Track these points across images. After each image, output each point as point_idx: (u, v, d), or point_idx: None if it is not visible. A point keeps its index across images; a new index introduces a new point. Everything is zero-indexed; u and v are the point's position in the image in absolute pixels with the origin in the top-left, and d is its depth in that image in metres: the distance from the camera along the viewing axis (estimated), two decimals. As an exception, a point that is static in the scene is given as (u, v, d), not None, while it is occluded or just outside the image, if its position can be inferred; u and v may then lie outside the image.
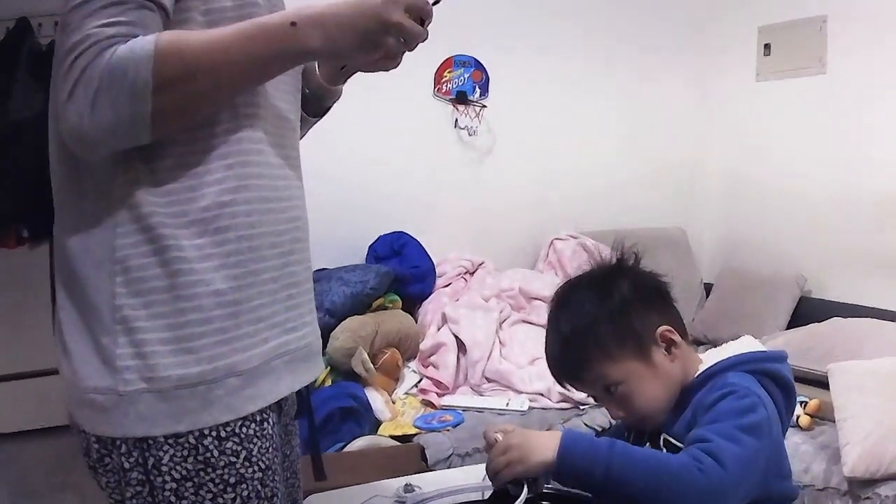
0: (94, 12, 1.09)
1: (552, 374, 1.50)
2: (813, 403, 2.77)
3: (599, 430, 2.93)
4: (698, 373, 1.44)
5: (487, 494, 1.43)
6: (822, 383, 2.73)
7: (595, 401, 1.54)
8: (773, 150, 3.96)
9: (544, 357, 1.51)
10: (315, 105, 1.50)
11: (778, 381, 1.41)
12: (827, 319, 3.31)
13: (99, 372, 1.16)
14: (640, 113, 4.27)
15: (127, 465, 1.17)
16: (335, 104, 1.54)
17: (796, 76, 3.82)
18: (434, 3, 1.25)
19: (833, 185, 3.68)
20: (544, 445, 1.28)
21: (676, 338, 1.44)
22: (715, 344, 3.61)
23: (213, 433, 1.18)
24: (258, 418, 1.22)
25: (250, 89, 1.22)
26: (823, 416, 2.75)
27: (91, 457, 1.22)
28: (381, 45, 1.20)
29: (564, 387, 1.51)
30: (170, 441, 1.16)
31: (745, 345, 1.49)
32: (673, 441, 1.39)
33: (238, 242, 1.19)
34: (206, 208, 1.17)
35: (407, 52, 1.26)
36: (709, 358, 1.48)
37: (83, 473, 1.29)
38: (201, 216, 1.16)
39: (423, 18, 1.22)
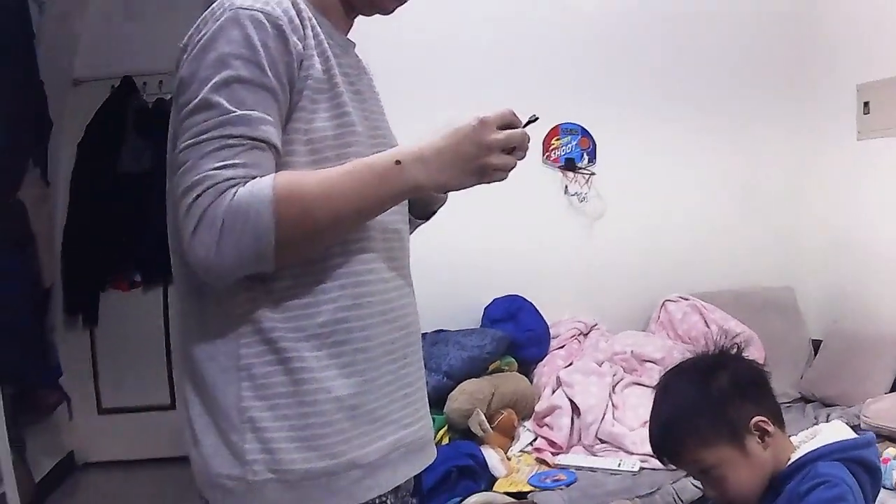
0: (209, 154, 1.16)
1: (652, 450, 1.62)
2: None
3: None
4: (791, 461, 1.53)
5: None
6: None
7: (693, 478, 1.66)
8: (874, 209, 3.93)
9: None
10: (422, 209, 1.56)
11: (865, 467, 1.50)
12: None
13: (229, 462, 1.25)
14: (745, 176, 4.28)
15: None
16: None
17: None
18: (528, 123, 1.32)
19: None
20: None
21: (770, 428, 1.53)
22: (823, 402, 3.68)
23: None
24: (377, 501, 1.32)
25: (363, 223, 1.30)
26: None
27: None
28: (486, 168, 1.27)
29: (664, 463, 1.62)
30: None
31: (836, 431, 1.57)
32: (765, 528, 1.50)
33: (354, 354, 1.28)
34: (324, 324, 1.26)
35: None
36: (801, 445, 1.56)
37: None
38: (319, 331, 1.25)
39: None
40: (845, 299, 4.11)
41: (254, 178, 1.18)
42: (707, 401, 1.54)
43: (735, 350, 1.63)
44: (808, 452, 1.53)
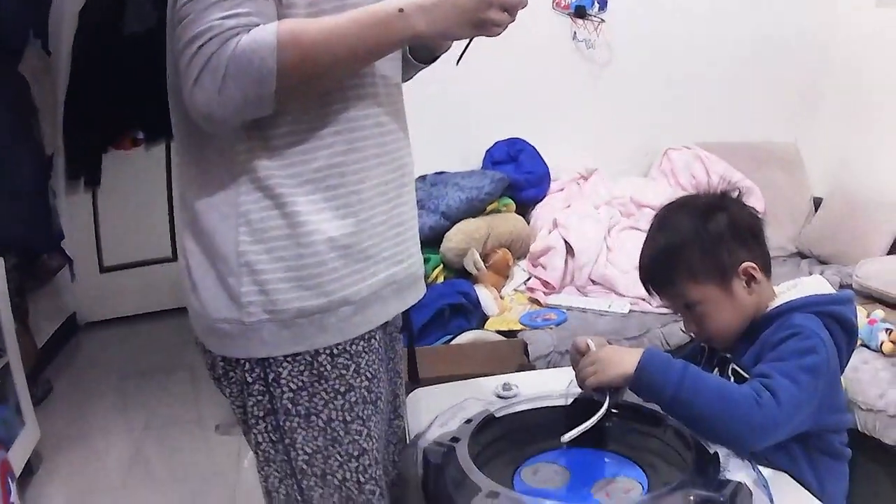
0: (212, 5, 1.17)
1: (640, 279, 1.65)
2: None
3: (671, 349, 2.99)
4: (769, 308, 1.56)
5: (570, 401, 1.57)
6: None
7: (673, 313, 1.69)
8: (889, 76, 3.86)
9: None
10: (425, 53, 1.55)
11: (841, 323, 1.52)
12: None
13: (226, 306, 1.30)
14: (758, 31, 4.19)
15: (250, 380, 1.33)
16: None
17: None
18: None
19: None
20: (627, 360, 1.43)
21: (758, 275, 1.55)
22: (818, 259, 3.72)
23: (327, 351, 1.33)
24: (366, 336, 1.38)
25: (362, 69, 1.32)
26: None
27: (216, 371, 1.39)
28: (484, 22, 1.27)
29: (649, 292, 1.66)
30: (288, 359, 1.31)
31: (816, 285, 1.59)
32: (740, 371, 1.52)
33: (348, 196, 1.31)
34: (318, 169, 1.28)
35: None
36: (781, 294, 1.58)
37: (193, 355, 1.48)
38: (314, 176, 1.28)
39: None
40: (851, 161, 4.09)
41: (257, 25, 1.19)
42: (703, 237, 1.55)
43: (736, 195, 1.64)
44: (786, 302, 1.55)
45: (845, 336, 1.54)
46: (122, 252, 5.07)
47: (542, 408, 1.58)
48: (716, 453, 1.34)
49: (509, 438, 1.52)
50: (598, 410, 1.42)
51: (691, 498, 1.17)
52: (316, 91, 1.27)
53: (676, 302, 1.61)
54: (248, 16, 1.18)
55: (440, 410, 1.59)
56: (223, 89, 1.17)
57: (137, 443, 3.54)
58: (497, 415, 1.54)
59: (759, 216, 1.65)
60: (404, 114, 1.47)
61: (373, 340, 1.40)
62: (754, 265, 1.56)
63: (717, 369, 1.61)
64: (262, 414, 1.35)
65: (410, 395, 1.81)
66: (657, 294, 1.64)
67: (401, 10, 1.24)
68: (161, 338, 4.78)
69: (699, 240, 1.55)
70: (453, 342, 3.01)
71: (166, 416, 3.81)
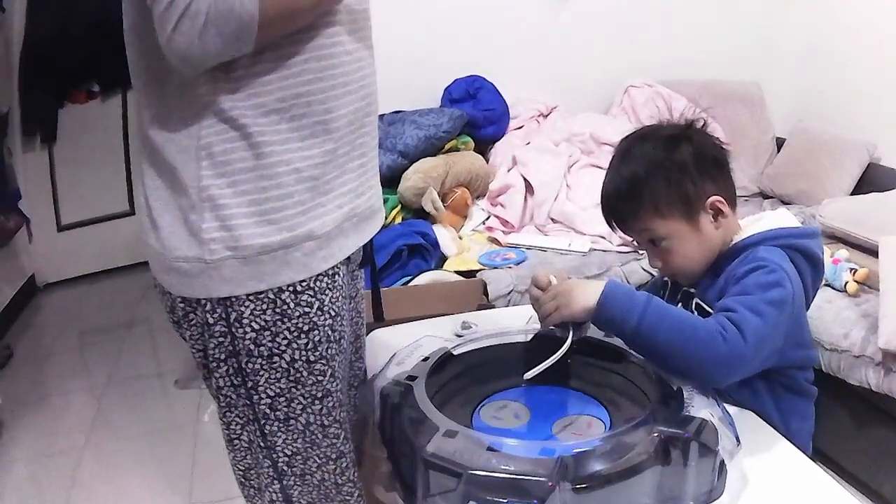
0: None
1: (603, 213, 1.59)
2: (862, 272, 2.76)
3: (651, 277, 2.98)
4: (733, 242, 1.53)
5: (530, 337, 1.56)
6: (875, 253, 2.73)
7: (637, 248, 1.64)
8: (853, 15, 3.84)
9: None
10: None
11: (807, 257, 1.49)
12: (893, 189, 3.26)
13: (186, 243, 1.25)
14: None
15: (211, 320, 1.29)
16: None
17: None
18: None
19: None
20: (589, 293, 1.39)
21: (725, 208, 1.52)
22: (781, 199, 3.71)
23: (290, 288, 1.29)
24: (330, 272, 1.33)
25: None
26: (872, 285, 2.73)
27: (176, 314, 1.35)
28: None
29: (612, 227, 1.60)
30: (251, 297, 1.27)
31: (780, 218, 1.56)
32: (704, 305, 1.50)
33: (313, 127, 1.27)
34: (283, 99, 1.24)
35: None
36: (745, 228, 1.55)
37: (151, 308, 1.45)
38: (278, 106, 1.24)
39: None
40: (813, 101, 4.11)
41: None
42: (668, 169, 1.50)
43: (702, 123, 1.58)
44: (751, 236, 1.52)
45: (811, 269, 1.51)
46: (80, 209, 5.00)
47: (501, 344, 1.56)
48: (679, 389, 1.31)
49: (468, 376, 1.49)
50: (559, 346, 1.39)
51: (655, 434, 1.15)
52: (297, 27, 1.24)
53: (641, 237, 1.56)
54: None
55: (398, 349, 1.57)
56: (203, 34, 1.13)
57: (98, 401, 3.54)
58: (455, 352, 1.52)
59: (725, 147, 1.60)
60: (371, 40, 1.43)
61: (336, 277, 1.36)
62: (721, 199, 1.52)
63: (680, 304, 1.57)
64: (223, 356, 1.32)
65: (368, 335, 1.77)
66: (621, 229, 1.59)
67: None
68: (120, 294, 4.77)
69: (664, 171, 1.50)
70: (412, 283, 2.99)
71: (126, 372, 3.82)
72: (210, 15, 1.12)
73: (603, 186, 1.58)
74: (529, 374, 1.36)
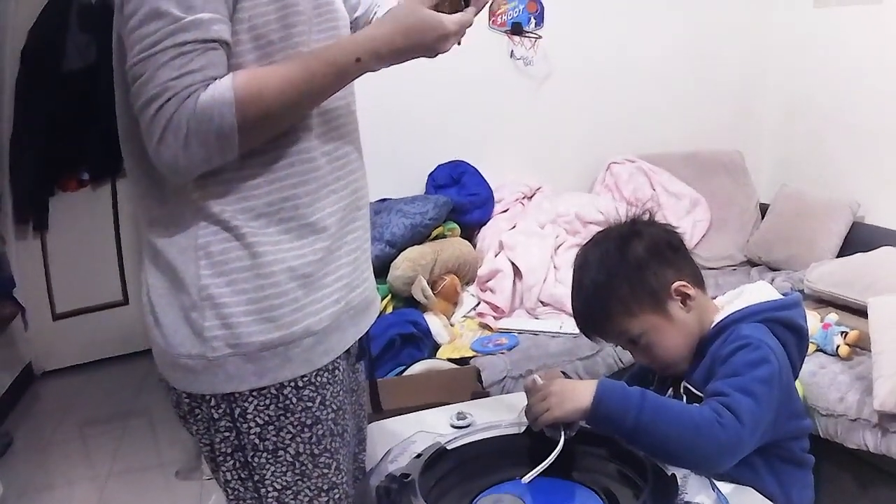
0: (165, 64, 1.17)
1: (579, 328, 1.61)
2: (853, 334, 2.76)
3: (626, 366, 2.98)
4: (714, 322, 1.53)
5: (523, 429, 1.53)
6: (865, 314, 2.72)
7: (623, 349, 1.66)
8: (830, 77, 3.91)
9: None
10: None
11: (790, 328, 1.50)
12: (879, 247, 3.27)
13: (189, 340, 1.29)
14: (696, 37, 4.22)
15: (216, 416, 1.31)
16: None
17: (853, 3, 3.74)
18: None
19: (890, 112, 3.61)
20: (581, 393, 1.39)
21: (691, 291, 1.53)
22: (769, 266, 3.72)
23: (292, 384, 1.31)
24: (330, 367, 1.36)
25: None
26: (864, 346, 2.73)
27: (181, 409, 1.37)
28: (437, 51, 1.34)
29: (592, 339, 1.63)
30: (254, 393, 1.30)
31: (760, 292, 1.57)
32: (692, 389, 1.50)
33: (302, 229, 1.31)
34: (271, 203, 1.28)
35: None
36: (725, 307, 1.56)
37: (150, 398, 1.46)
38: (266, 210, 1.28)
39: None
40: (796, 165, 4.14)
41: (212, 78, 1.20)
42: (625, 270, 1.52)
43: (647, 216, 1.62)
44: (731, 314, 1.52)
45: (795, 340, 1.52)
46: (74, 298, 4.98)
47: (494, 437, 1.55)
48: (673, 475, 1.31)
49: (462, 471, 1.48)
50: (552, 439, 1.39)
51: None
52: (276, 133, 1.28)
53: (620, 340, 1.57)
54: (201, 70, 1.19)
55: (393, 443, 1.57)
56: (187, 146, 1.19)
57: (101, 491, 3.51)
58: (449, 447, 1.51)
59: (676, 230, 1.62)
60: (358, 136, 1.47)
61: (337, 371, 1.39)
62: (684, 282, 1.53)
63: (670, 388, 1.58)
64: (229, 450, 1.34)
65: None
66: (600, 337, 1.61)
67: (358, 60, 1.28)
68: (117, 383, 4.74)
69: (623, 273, 1.52)
70: (406, 373, 2.98)
71: (128, 462, 3.79)
72: (191, 127, 1.17)
73: (571, 303, 1.61)
74: (527, 479, 1.35)
